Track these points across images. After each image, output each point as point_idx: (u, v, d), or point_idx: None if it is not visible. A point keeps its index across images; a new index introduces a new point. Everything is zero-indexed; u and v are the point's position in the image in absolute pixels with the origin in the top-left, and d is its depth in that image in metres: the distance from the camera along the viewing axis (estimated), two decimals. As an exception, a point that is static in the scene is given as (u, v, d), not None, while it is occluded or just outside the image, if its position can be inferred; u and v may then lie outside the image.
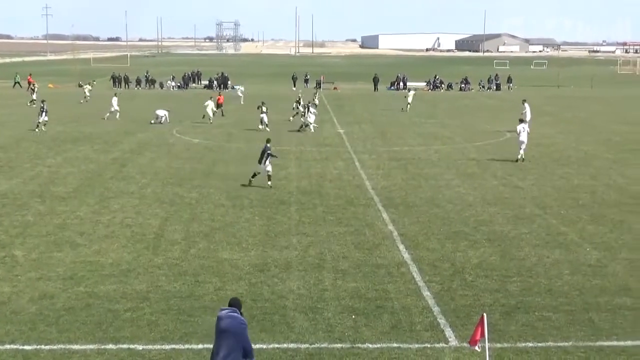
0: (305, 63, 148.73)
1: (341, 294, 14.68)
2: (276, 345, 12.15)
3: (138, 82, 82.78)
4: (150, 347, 12.07)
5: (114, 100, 48.08)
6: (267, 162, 24.94)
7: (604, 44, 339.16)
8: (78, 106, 57.14)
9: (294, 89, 79.99)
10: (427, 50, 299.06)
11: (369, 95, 74.06)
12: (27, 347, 11.99)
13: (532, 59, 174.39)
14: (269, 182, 24.99)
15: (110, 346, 12.07)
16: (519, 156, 31.21)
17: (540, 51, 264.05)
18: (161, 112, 45.39)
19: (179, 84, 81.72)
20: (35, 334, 12.54)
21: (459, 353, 11.94)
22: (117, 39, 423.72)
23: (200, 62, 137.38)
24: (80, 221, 20.40)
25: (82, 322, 13.05)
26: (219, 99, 50.50)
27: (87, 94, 61.54)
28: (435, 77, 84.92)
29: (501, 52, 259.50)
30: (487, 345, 10.30)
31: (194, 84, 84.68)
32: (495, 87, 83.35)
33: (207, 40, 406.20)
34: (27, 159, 31.20)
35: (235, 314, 9.41)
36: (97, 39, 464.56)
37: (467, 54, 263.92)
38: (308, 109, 42.51)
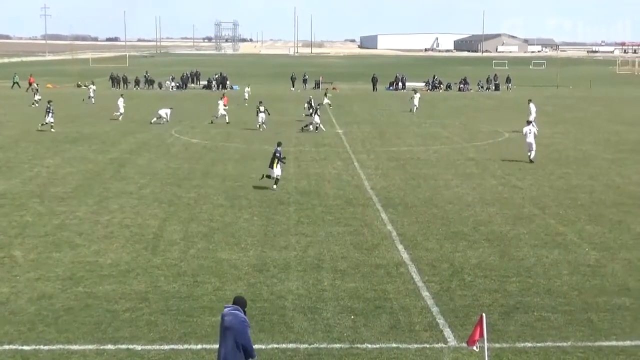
0: (304, 63, 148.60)
1: (340, 294, 14.68)
2: (275, 346, 12.15)
3: (137, 82, 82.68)
4: (149, 347, 12.08)
5: (120, 101, 47.86)
6: (278, 166, 24.78)
7: (602, 44, 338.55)
8: (77, 106, 57.03)
9: (293, 89, 79.99)
10: (425, 50, 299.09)
11: (368, 96, 74.02)
12: (26, 348, 12.00)
13: (531, 59, 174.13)
14: (275, 186, 24.77)
15: (109, 346, 12.08)
16: (531, 157, 31.03)
17: (539, 51, 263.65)
18: (163, 112, 45.23)
19: (177, 84, 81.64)
20: (34, 335, 12.54)
21: (458, 353, 11.96)
22: (115, 39, 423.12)
23: (199, 63, 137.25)
24: (79, 221, 20.39)
25: (81, 323, 13.06)
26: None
27: (92, 94, 60.23)
28: (434, 77, 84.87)
29: (500, 52, 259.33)
30: (486, 345, 10.30)
31: (192, 84, 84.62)
32: (494, 88, 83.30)
33: (205, 41, 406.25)
34: (25, 159, 31.19)
35: (237, 311, 9.45)
36: (95, 39, 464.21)
37: (465, 54, 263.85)
38: (317, 110, 42.58)
